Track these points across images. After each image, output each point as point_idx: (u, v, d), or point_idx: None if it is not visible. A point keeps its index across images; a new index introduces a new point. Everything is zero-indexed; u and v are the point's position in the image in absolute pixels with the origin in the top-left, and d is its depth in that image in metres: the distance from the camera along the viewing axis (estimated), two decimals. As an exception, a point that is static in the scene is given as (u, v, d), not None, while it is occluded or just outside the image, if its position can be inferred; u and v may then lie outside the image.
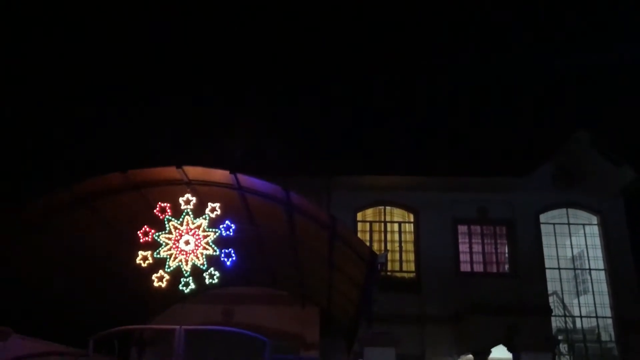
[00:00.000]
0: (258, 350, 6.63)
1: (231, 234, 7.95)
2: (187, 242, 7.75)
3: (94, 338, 6.50)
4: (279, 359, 6.79)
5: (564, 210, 14.25)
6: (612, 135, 15.71)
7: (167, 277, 7.65)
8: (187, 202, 7.98)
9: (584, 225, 14.20)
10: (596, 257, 13.87)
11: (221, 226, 7.93)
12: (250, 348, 7.80)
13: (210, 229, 7.86)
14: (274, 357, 6.62)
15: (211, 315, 10.48)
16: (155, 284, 7.60)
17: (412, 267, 14.15)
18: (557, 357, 9.07)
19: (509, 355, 7.00)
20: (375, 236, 14.53)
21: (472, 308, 12.08)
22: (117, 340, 9.54)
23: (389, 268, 14.04)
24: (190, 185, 8.24)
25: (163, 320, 10.93)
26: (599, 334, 13.11)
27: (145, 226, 7.75)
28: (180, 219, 7.88)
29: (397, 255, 14.38)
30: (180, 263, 7.62)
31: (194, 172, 8.08)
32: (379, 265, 7.41)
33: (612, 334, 13.11)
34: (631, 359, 11.59)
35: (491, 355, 11.54)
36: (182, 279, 7.65)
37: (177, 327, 6.75)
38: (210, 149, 15.25)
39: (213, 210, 7.97)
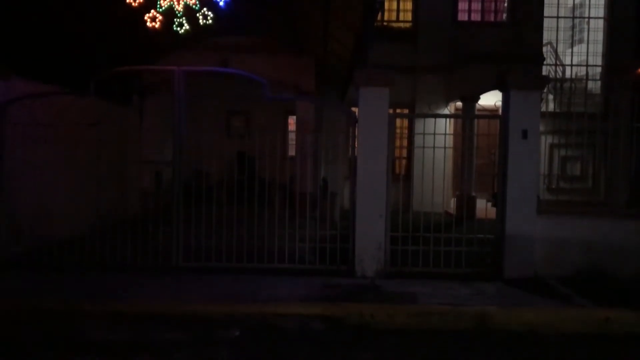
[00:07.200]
0: (256, 93, 6.84)
1: (222, -27, 7.59)
2: (176, -19, 7.45)
3: (94, 79, 6.65)
4: (276, 98, 7.01)
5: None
6: None
7: (159, 17, 7.52)
8: (172, -63, 7.43)
9: (590, -29, 13.59)
10: (597, 5, 13.57)
11: (211, -36, 7.54)
12: (248, 90, 8.07)
13: (200, -33, 7.49)
14: (271, 97, 6.85)
15: (208, 64, 10.50)
16: (149, 24, 7.50)
17: (409, 17, 13.88)
18: (544, 99, 9.49)
19: (497, 102, 7.25)
20: (372, -16, 13.94)
21: (465, 56, 12.18)
22: (118, 84, 9.77)
23: (386, 17, 13.77)
24: None
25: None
26: (587, 79, 13.51)
27: (132, -36, 7.33)
28: (167, -44, 7.44)
29: (394, 5, 14.00)
30: (172, 3, 7.42)
31: None
32: (377, 4, 7.24)
33: (599, 79, 13.53)
34: (612, 97, 12.18)
35: (480, 102, 12.05)
36: (175, 20, 7.55)
37: (175, 67, 6.88)
38: None
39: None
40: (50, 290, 5.77)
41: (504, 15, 13.69)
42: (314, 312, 5.23)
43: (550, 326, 5.16)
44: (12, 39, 7.33)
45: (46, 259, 6.75)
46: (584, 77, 13.51)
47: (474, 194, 12.05)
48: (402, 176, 12.79)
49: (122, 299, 5.57)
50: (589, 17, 13.59)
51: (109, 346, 4.55)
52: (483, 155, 12.21)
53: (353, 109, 7.06)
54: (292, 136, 14.56)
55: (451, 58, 12.88)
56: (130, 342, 4.66)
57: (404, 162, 13.86)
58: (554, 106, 12.95)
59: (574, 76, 13.66)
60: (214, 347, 4.55)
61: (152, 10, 7.50)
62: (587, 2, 13.65)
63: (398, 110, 13.48)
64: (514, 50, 12.31)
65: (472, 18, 13.57)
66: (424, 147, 7.15)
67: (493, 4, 13.58)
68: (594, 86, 13.67)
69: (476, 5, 13.54)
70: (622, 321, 5.18)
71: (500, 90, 7.03)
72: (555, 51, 13.66)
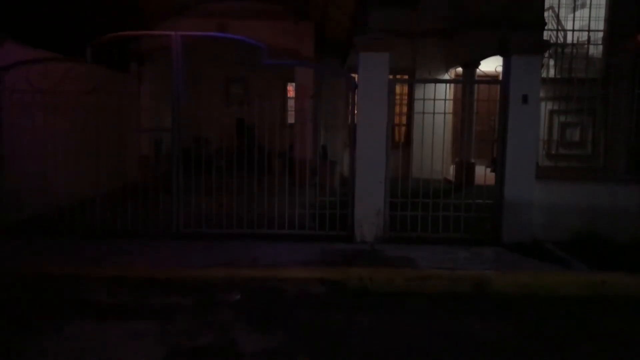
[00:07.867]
0: (254, 59, 6.77)
1: None
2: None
3: (91, 45, 6.57)
4: (275, 63, 6.94)
5: None
6: None
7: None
8: None
9: None
10: (600, -32, 13.34)
11: None
12: (247, 56, 7.98)
13: None
14: (270, 62, 6.78)
15: (206, 29, 10.38)
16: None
17: (409, -20, 13.64)
18: (545, 64, 9.39)
19: (498, 67, 7.17)
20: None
21: (466, 21, 12.02)
22: (116, 51, 9.67)
23: (386, -19, 13.53)
24: None
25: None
26: (588, 44, 13.36)
27: None
28: None
29: (394, -31, 13.74)
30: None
31: None
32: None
33: (601, 43, 13.38)
34: (614, 63, 12.07)
35: (480, 67, 11.92)
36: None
37: (173, 32, 6.79)
38: None
39: None
40: (51, 256, 5.82)
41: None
42: (313, 276, 5.28)
43: (547, 289, 5.23)
44: (7, 4, 7.21)
45: (46, 226, 6.79)
46: (586, 42, 13.37)
47: (473, 160, 12.04)
48: (401, 143, 12.76)
49: (122, 264, 5.62)
50: (592, -19, 13.40)
51: (109, 310, 4.61)
52: (483, 122, 12.16)
53: (353, 75, 7.00)
54: (291, 103, 14.48)
55: (452, 23, 12.70)
56: (131, 306, 4.72)
57: (403, 129, 13.81)
58: (555, 72, 12.83)
59: (575, 41, 13.51)
60: (215, 311, 4.61)
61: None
62: (590, -35, 13.42)
63: (398, 76, 13.37)
64: (515, 15, 12.12)
65: (474, -18, 13.31)
66: (423, 112, 7.12)
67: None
68: (596, 51, 13.53)
69: (478, -31, 13.28)
70: (618, 284, 5.24)
71: (501, 55, 6.97)
72: (557, 16, 13.48)
